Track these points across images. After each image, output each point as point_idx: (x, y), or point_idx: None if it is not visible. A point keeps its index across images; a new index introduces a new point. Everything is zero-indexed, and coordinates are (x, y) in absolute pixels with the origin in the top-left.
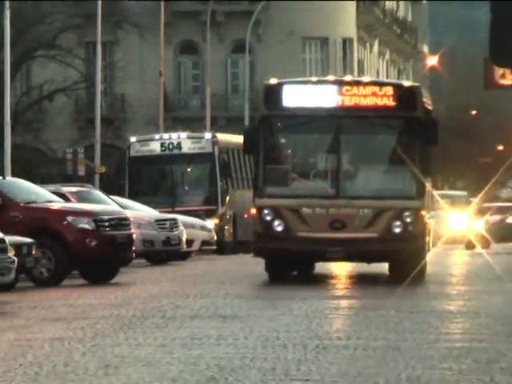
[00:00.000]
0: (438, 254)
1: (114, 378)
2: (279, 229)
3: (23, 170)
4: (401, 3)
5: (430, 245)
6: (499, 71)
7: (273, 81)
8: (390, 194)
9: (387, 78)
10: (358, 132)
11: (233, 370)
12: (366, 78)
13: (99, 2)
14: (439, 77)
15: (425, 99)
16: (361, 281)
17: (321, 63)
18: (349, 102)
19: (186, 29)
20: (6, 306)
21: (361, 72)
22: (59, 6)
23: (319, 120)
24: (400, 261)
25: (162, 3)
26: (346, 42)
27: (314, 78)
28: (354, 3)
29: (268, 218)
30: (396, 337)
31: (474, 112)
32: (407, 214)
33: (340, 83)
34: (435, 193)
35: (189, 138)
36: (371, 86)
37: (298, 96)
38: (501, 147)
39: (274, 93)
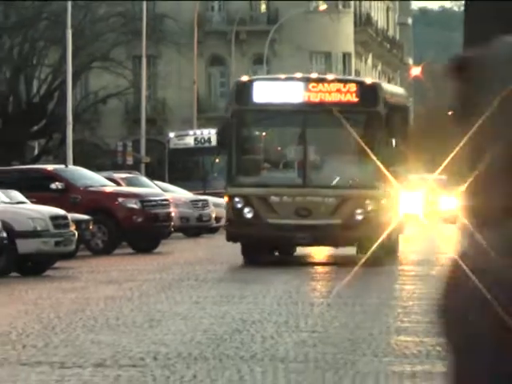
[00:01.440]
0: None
1: (157, 329)
2: (249, 216)
3: (82, 160)
4: (390, 24)
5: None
6: None
7: (244, 78)
8: (352, 183)
9: None
10: (323, 126)
11: (253, 322)
12: (330, 76)
13: (144, 23)
14: (421, 84)
15: (387, 95)
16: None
17: (324, 73)
18: (314, 97)
19: (215, 45)
20: (69, 271)
21: None
22: (111, 26)
23: (287, 114)
24: (363, 245)
25: (196, 24)
26: (346, 56)
27: (283, 76)
28: (352, 24)
29: (239, 205)
30: (387, 296)
31: (450, 112)
32: (368, 202)
33: (306, 80)
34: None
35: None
36: (335, 83)
37: (267, 92)
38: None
39: (244, 89)
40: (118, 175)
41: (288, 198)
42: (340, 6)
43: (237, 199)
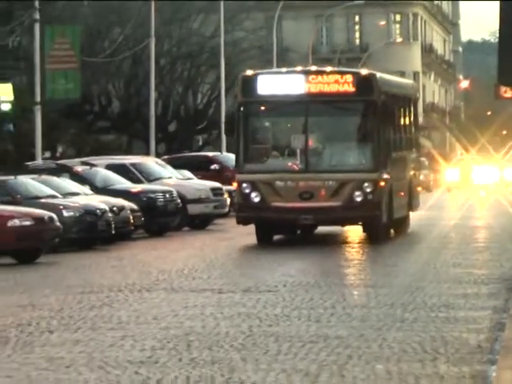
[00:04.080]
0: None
1: (285, 267)
2: (256, 200)
3: (232, 149)
4: (446, 51)
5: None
6: (503, 88)
7: (249, 72)
8: (351, 167)
9: (439, 98)
10: (323, 114)
11: (352, 260)
12: (328, 68)
13: (274, 54)
14: (469, 93)
15: (384, 85)
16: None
17: None
18: (314, 88)
19: None
20: (223, 227)
21: (423, 93)
22: (251, 55)
23: (289, 105)
24: (365, 224)
25: (310, 53)
26: (415, 74)
27: (284, 69)
28: (420, 51)
29: (247, 190)
30: (444, 241)
31: (489, 113)
32: (367, 184)
33: (306, 73)
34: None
35: None
36: (333, 74)
37: (270, 85)
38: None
39: (249, 82)
40: None
41: (292, 183)
42: (411, 39)
43: (244, 185)
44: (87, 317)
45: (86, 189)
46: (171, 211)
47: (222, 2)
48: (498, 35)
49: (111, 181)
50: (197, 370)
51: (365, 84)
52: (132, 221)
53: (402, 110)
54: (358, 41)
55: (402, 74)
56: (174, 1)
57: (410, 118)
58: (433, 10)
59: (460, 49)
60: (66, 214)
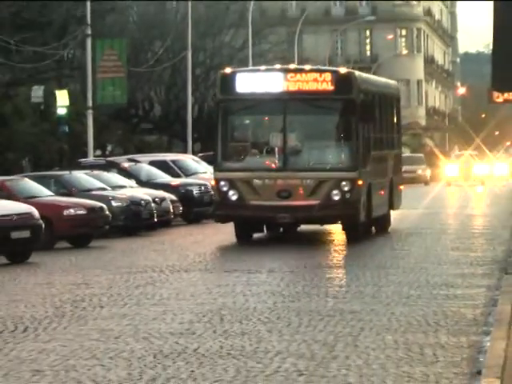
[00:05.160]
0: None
1: (305, 253)
2: (234, 198)
3: None
4: (446, 61)
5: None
6: (495, 94)
7: (227, 70)
8: (329, 166)
9: (439, 103)
10: (302, 113)
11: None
12: (307, 66)
13: (295, 63)
14: (465, 99)
15: (364, 84)
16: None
17: (406, 94)
18: (293, 87)
19: None
20: None
21: (426, 99)
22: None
23: (267, 103)
24: (344, 223)
25: (327, 64)
26: (419, 82)
27: (263, 67)
28: (423, 62)
29: (224, 188)
30: (443, 228)
31: (483, 115)
32: (344, 183)
33: (285, 71)
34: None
35: None
36: (312, 72)
37: (249, 82)
38: (497, 132)
39: (228, 80)
40: None
41: (269, 181)
42: (415, 51)
43: (222, 183)
44: (133, 294)
45: (132, 182)
46: (206, 202)
47: (250, 18)
48: (491, 47)
49: (154, 175)
50: (229, 340)
51: (344, 82)
52: (172, 210)
53: (382, 109)
54: (368, 52)
55: (407, 82)
56: (207, 17)
57: (392, 117)
58: (434, 25)
59: (458, 59)
60: (114, 204)
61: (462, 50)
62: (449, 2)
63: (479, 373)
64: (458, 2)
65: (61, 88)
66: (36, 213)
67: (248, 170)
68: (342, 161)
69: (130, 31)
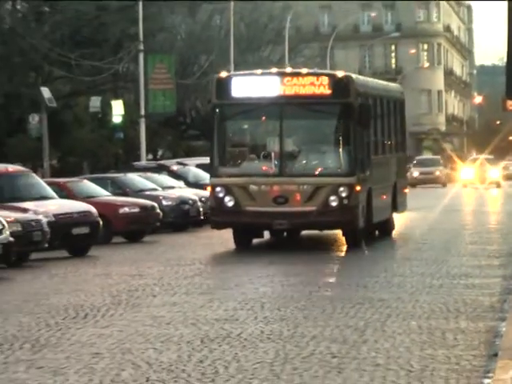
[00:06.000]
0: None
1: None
2: (230, 204)
3: None
4: (463, 73)
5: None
6: (509, 102)
7: (223, 74)
8: (327, 171)
9: (458, 111)
10: (298, 117)
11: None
12: (304, 70)
13: None
14: (482, 106)
15: (362, 88)
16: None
17: (427, 102)
18: (289, 91)
19: None
20: None
21: (445, 107)
22: None
23: (264, 107)
24: (344, 229)
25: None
26: (439, 92)
27: (259, 71)
28: (442, 73)
29: (220, 194)
30: (463, 224)
31: (498, 122)
32: (342, 189)
33: (281, 74)
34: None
35: None
36: (309, 76)
37: (245, 87)
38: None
39: (224, 84)
40: None
41: (266, 187)
42: (436, 64)
43: (218, 189)
44: (182, 284)
45: (181, 183)
46: None
47: (286, 35)
48: (505, 60)
49: (201, 177)
50: (269, 326)
51: (341, 86)
52: None
53: (384, 112)
54: (393, 65)
55: (429, 92)
56: (248, 34)
57: (395, 121)
58: (453, 40)
59: (474, 71)
60: (164, 203)
61: (478, 62)
62: (466, 19)
63: (495, 355)
64: (474, 20)
65: (116, 98)
66: (94, 211)
67: (244, 175)
68: (339, 166)
69: (178, 47)
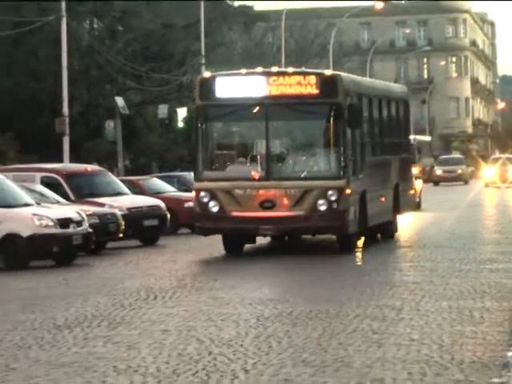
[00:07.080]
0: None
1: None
2: (215, 209)
3: None
4: (488, 82)
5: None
6: None
7: (206, 74)
8: (315, 174)
9: (483, 115)
10: (285, 118)
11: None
12: (290, 69)
13: None
14: (505, 112)
15: (353, 87)
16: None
17: (456, 108)
18: (276, 91)
19: None
20: None
21: (472, 112)
22: None
23: (249, 108)
24: (334, 234)
25: None
26: (467, 99)
27: (244, 71)
28: (469, 82)
29: (205, 199)
30: (483, 222)
31: None
32: (331, 192)
33: (267, 74)
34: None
35: None
36: (296, 75)
37: (229, 87)
38: None
39: (207, 85)
40: None
41: (251, 191)
42: (463, 74)
43: (202, 193)
44: (240, 269)
45: None
46: None
47: (330, 49)
48: None
49: None
50: (317, 306)
51: (329, 85)
52: None
53: (383, 113)
54: (425, 76)
55: (457, 99)
56: (297, 49)
57: (397, 121)
58: (478, 53)
59: (497, 80)
60: None
61: (500, 72)
62: (490, 34)
63: None
64: (497, 34)
65: (181, 106)
66: (163, 205)
67: (229, 179)
68: (328, 169)
69: (235, 61)
